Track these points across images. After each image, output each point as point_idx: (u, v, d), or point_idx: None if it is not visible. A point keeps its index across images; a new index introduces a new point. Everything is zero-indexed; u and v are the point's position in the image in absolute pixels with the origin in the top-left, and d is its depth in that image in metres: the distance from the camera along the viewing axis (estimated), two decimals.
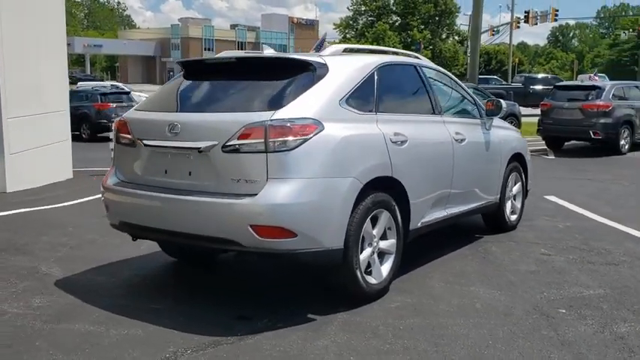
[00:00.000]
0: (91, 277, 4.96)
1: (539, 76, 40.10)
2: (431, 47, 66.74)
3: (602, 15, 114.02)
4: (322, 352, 3.58)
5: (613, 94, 14.69)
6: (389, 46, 65.49)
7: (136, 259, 5.49)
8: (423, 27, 68.72)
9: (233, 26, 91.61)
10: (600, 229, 6.73)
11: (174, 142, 4.09)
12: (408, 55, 5.56)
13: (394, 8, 70.04)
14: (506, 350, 3.61)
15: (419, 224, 4.87)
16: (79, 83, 30.68)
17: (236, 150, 3.87)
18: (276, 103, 3.99)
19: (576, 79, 41.34)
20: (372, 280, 4.34)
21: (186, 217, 4.02)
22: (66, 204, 8.17)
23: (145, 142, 4.25)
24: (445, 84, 5.73)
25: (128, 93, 21.18)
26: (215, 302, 4.42)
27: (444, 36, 72.35)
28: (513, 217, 6.66)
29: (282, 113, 3.87)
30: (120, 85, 31.52)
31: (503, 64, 65.50)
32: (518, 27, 49.94)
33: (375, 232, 4.35)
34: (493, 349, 3.62)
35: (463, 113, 5.86)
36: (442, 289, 4.69)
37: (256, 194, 3.79)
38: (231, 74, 4.48)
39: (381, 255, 4.48)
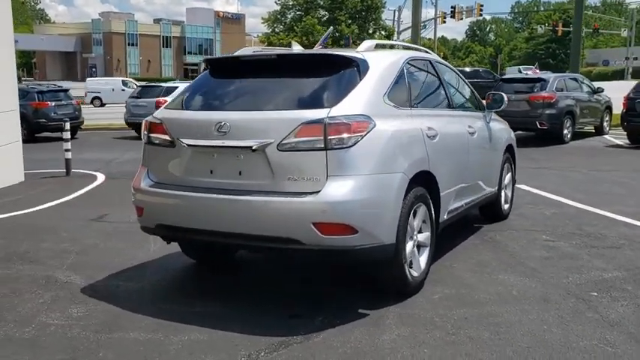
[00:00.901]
0: (116, 284, 4.78)
1: (467, 69, 41.25)
2: (359, 42, 67.49)
3: (517, 10, 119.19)
4: (393, 345, 3.62)
5: (556, 86, 15.45)
6: (318, 40, 65.95)
7: (150, 263, 5.34)
8: (350, 22, 69.51)
9: (157, 20, 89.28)
10: (585, 215, 7.09)
11: (223, 142, 4.00)
12: (421, 50, 5.66)
13: (322, 3, 70.44)
14: (564, 334, 3.77)
15: (445, 216, 4.99)
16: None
17: (293, 148, 3.83)
18: (328, 100, 3.98)
19: (520, 72, 42.49)
20: (414, 273, 4.42)
21: (241, 217, 3.95)
22: (39, 208, 7.85)
23: (188, 142, 4.13)
24: (453, 78, 5.88)
25: (67, 91, 20.29)
26: (257, 303, 4.36)
27: (370, 30, 73.44)
28: (506, 207, 6.92)
29: (338, 110, 3.88)
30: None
31: None
32: (444, 22, 51.40)
33: (415, 225, 4.43)
34: (551, 334, 3.78)
35: (470, 107, 6.04)
36: (473, 279, 4.83)
37: (317, 192, 3.78)
38: (270, 71, 4.41)
39: (419, 248, 4.57)
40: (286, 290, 4.74)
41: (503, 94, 6.45)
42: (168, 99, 18.98)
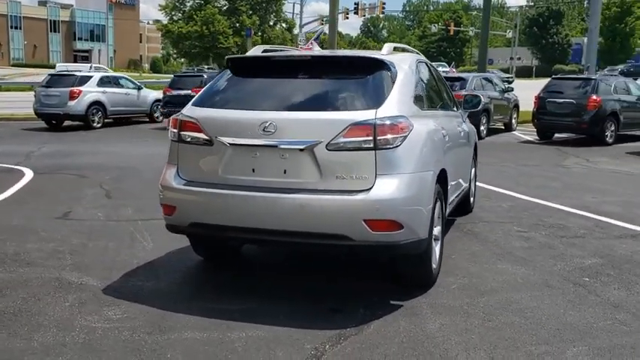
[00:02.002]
0: (136, 284, 4.70)
1: None
2: (260, 33, 67.36)
3: (408, 9, 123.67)
4: (444, 333, 3.88)
5: (474, 86, 16.43)
6: (218, 30, 64.96)
7: (157, 261, 5.28)
8: (251, 12, 69.08)
9: (42, 3, 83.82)
10: (537, 208, 7.72)
11: (269, 141, 4.06)
12: (414, 51, 5.94)
13: None
14: (580, 316, 4.21)
15: (448, 211, 5.33)
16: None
17: (342, 148, 3.98)
18: (371, 102, 4.15)
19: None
20: (434, 265, 4.71)
21: (289, 214, 4.04)
22: None
23: (230, 140, 4.15)
24: (440, 79, 6.22)
25: None
26: (290, 299, 4.43)
27: (271, 22, 73.44)
28: (472, 200, 7.41)
29: (383, 112, 4.07)
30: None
31: None
32: (347, 18, 52.48)
33: (435, 219, 4.71)
34: (570, 317, 4.19)
35: (452, 107, 6.42)
36: (476, 269, 5.19)
37: (367, 190, 3.95)
38: (304, 72, 4.50)
39: (435, 241, 4.85)
40: (309, 286, 4.83)
41: (480, 95, 6.88)
42: (85, 88, 18.26)
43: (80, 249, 5.57)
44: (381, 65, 4.43)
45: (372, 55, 4.58)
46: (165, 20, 70.80)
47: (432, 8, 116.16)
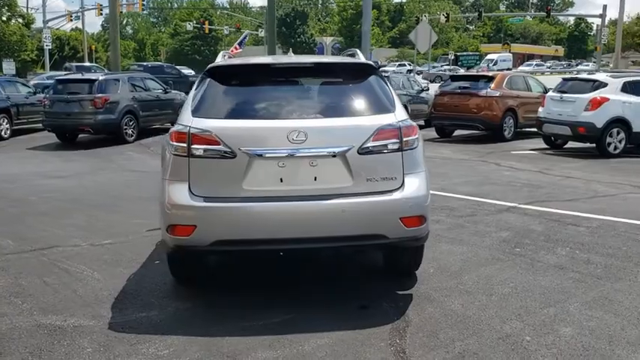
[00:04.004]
0: (139, 315, 4.26)
1: (149, 65, 39.79)
2: None
3: (152, 6, 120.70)
4: (473, 311, 4.33)
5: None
6: None
7: (128, 289, 4.79)
8: None
9: None
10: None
11: (302, 149, 4.04)
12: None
13: None
14: (548, 280, 4.99)
15: None
16: None
17: (372, 151, 4.15)
18: (385, 106, 4.39)
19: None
20: None
21: (325, 220, 4.08)
22: None
23: (257, 151, 4.02)
24: None
25: None
26: (311, 305, 4.46)
27: (4, 17, 65.56)
28: None
29: (400, 115, 4.34)
30: None
31: (78, 50, 63.76)
32: (101, 14, 49.49)
33: None
34: (541, 281, 4.95)
35: None
36: (430, 253, 5.64)
37: (399, 189, 4.19)
38: (310, 78, 4.53)
39: None
40: (319, 290, 4.83)
41: None
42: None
43: (19, 289, 4.78)
44: (375, 71, 4.67)
45: (367, 62, 4.79)
46: None
47: (175, 5, 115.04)
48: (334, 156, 4.10)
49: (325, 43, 79.95)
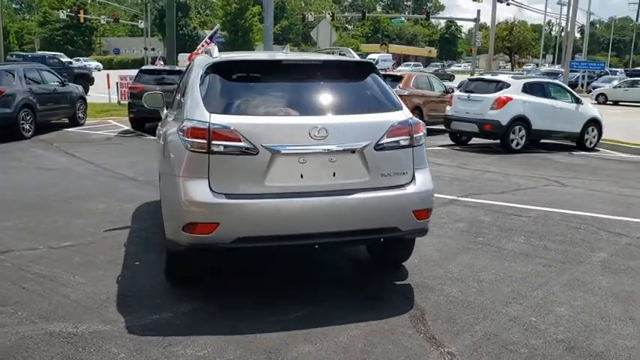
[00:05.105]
0: (152, 318, 4.10)
1: (29, 54, 36.96)
2: None
3: None
4: (474, 297, 4.62)
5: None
6: None
7: (127, 291, 4.58)
8: None
9: None
10: None
11: (324, 145, 4.09)
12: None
13: None
14: (521, 266, 5.42)
15: None
16: None
17: (386, 147, 4.30)
18: (392, 103, 4.54)
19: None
20: None
21: (345, 215, 4.17)
22: None
23: (279, 147, 4.01)
24: None
25: None
26: (321, 300, 4.50)
27: None
28: None
29: (407, 113, 4.51)
30: None
31: None
32: None
33: None
34: (516, 267, 5.36)
35: None
36: (419, 239, 5.84)
37: (411, 183, 4.37)
38: (319, 75, 4.55)
39: None
40: (325, 286, 4.88)
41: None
42: None
43: (52, 294, 4.46)
44: (377, 70, 4.81)
45: (368, 60, 4.90)
46: None
47: None
48: (353, 152, 4.19)
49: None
